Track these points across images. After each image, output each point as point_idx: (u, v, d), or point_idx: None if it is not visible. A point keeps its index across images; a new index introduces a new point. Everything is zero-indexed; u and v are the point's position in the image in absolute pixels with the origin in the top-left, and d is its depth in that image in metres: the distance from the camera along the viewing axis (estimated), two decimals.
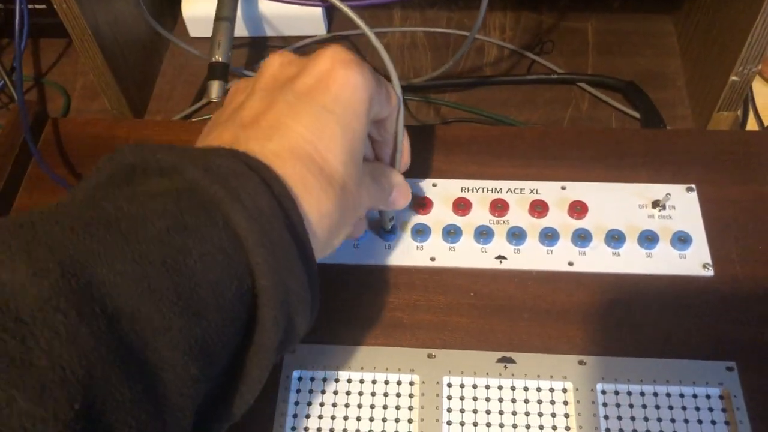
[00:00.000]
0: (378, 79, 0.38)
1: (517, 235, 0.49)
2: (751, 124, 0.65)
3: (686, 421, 0.42)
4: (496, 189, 0.51)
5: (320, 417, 0.43)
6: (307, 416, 0.43)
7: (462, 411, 0.43)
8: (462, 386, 0.43)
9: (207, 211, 0.30)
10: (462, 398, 0.43)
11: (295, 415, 0.43)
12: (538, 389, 0.43)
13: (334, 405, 0.43)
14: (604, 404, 0.42)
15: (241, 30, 0.71)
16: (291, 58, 0.39)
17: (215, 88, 0.60)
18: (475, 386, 0.43)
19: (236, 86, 0.41)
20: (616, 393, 0.43)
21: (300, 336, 0.35)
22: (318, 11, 0.70)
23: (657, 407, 0.42)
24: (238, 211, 0.30)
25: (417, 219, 0.50)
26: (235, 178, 0.31)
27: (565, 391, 0.43)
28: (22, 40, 0.56)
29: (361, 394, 0.43)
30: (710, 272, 0.47)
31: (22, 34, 0.56)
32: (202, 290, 0.29)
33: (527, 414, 0.42)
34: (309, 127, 0.35)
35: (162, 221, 0.29)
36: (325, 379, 0.44)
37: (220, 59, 0.61)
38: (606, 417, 0.42)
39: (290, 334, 0.33)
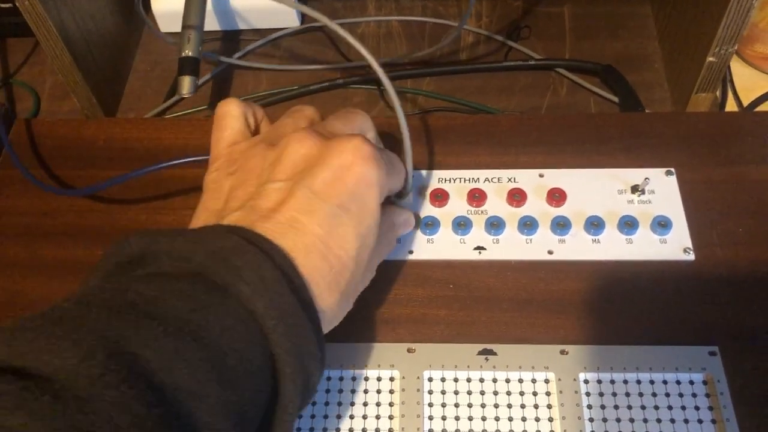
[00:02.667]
0: (391, 167, 0.41)
1: (495, 225, 0.48)
2: (731, 105, 0.65)
3: (670, 407, 0.41)
4: (473, 178, 0.51)
5: (300, 416, 0.42)
6: None
7: (443, 405, 0.42)
8: (443, 380, 0.43)
9: (219, 290, 0.32)
10: (443, 392, 0.42)
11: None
12: (520, 380, 0.43)
13: (314, 404, 0.42)
14: (587, 393, 0.42)
15: (212, 24, 0.70)
16: (312, 143, 0.39)
17: (186, 83, 0.59)
18: (456, 380, 0.43)
19: (247, 150, 0.41)
20: (599, 382, 0.42)
21: (315, 391, 0.36)
22: (291, 3, 0.69)
23: (640, 395, 0.42)
24: (244, 288, 0.32)
25: None
26: (238, 257, 0.33)
27: (547, 381, 0.43)
28: None
29: (340, 391, 0.43)
30: (691, 256, 0.47)
31: None
32: (230, 359, 0.31)
33: (510, 406, 0.42)
34: (323, 226, 0.36)
35: (181, 302, 0.31)
36: None
37: (190, 54, 0.59)
38: (589, 406, 0.41)
39: (307, 391, 0.35)
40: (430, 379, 0.43)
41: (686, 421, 0.41)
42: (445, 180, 0.51)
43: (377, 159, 0.38)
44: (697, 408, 0.41)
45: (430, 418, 0.42)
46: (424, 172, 0.51)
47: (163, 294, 0.31)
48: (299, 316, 0.33)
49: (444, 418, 0.42)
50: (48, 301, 0.46)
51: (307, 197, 0.37)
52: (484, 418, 0.41)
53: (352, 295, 0.40)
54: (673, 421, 0.41)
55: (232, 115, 0.43)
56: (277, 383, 0.33)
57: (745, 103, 0.64)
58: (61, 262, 0.49)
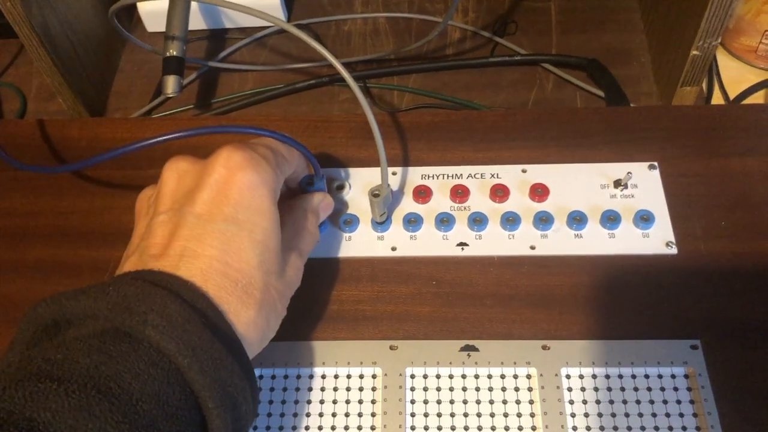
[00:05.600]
0: (274, 162, 0.40)
1: (478, 221, 0.48)
2: (717, 98, 0.65)
3: (651, 401, 0.41)
4: (456, 175, 0.51)
5: (282, 415, 0.42)
6: (269, 414, 0.42)
7: (425, 402, 0.42)
8: (425, 377, 0.43)
9: (128, 339, 0.32)
10: (425, 389, 0.42)
11: (256, 414, 0.42)
12: (502, 376, 0.43)
13: (296, 402, 0.42)
14: (569, 388, 0.42)
15: (198, 23, 0.70)
16: (186, 167, 0.39)
17: (171, 82, 0.59)
18: (438, 376, 0.43)
19: (139, 203, 0.42)
20: (581, 377, 0.42)
21: (249, 421, 0.36)
22: (276, 1, 0.69)
23: (622, 389, 0.42)
24: (151, 332, 0.32)
25: None
26: (142, 303, 0.32)
27: (529, 377, 0.43)
28: None
29: (323, 390, 0.43)
30: (674, 250, 0.47)
31: None
32: (144, 404, 0.31)
33: (491, 402, 0.42)
34: (216, 247, 0.36)
35: (89, 359, 0.31)
36: (286, 376, 0.43)
37: (174, 53, 0.59)
38: (571, 401, 0.41)
39: (238, 421, 0.35)
40: (413, 376, 0.43)
41: (668, 414, 0.41)
42: (428, 176, 0.51)
43: (252, 160, 0.38)
44: (678, 402, 0.41)
45: (413, 414, 0.42)
46: (407, 169, 0.51)
47: (71, 354, 0.31)
48: (215, 348, 0.33)
49: (426, 415, 0.42)
50: (33, 302, 0.47)
51: (192, 223, 0.36)
52: (466, 414, 0.41)
53: (278, 301, 0.39)
54: (654, 414, 0.41)
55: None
56: (204, 420, 0.33)
57: (732, 95, 0.64)
58: (45, 264, 0.49)
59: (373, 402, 0.42)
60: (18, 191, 0.52)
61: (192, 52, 0.69)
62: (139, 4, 0.69)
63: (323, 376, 0.43)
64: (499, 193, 0.49)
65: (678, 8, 0.59)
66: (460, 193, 0.49)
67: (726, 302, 0.44)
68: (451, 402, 0.42)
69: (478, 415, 0.41)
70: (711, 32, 0.54)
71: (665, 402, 0.41)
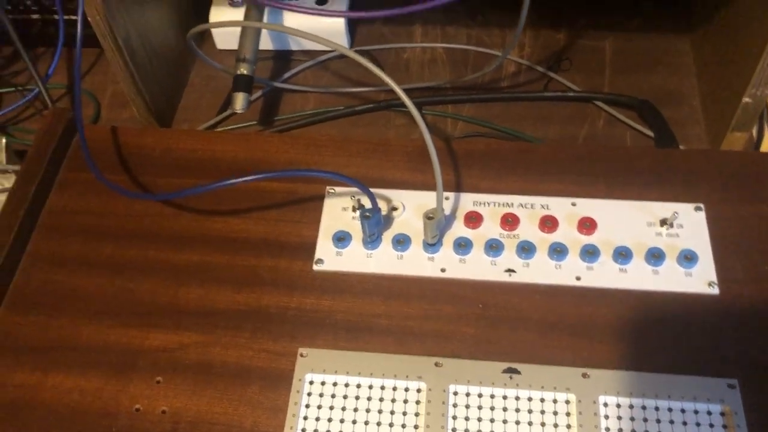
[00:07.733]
0: None
1: (526, 249, 0.50)
2: (766, 146, 0.66)
3: None
4: (507, 203, 0.53)
5: (330, 420, 0.44)
6: (317, 419, 0.44)
7: (467, 419, 0.44)
8: (467, 395, 0.45)
9: None
10: (467, 406, 0.44)
11: (305, 417, 0.44)
12: (542, 400, 0.44)
13: (344, 409, 0.45)
14: (606, 416, 0.43)
15: (265, 43, 0.74)
16: None
17: (240, 99, 0.62)
18: (480, 395, 0.45)
19: None
20: (618, 406, 0.44)
21: None
22: (341, 26, 0.72)
23: (658, 421, 0.43)
24: None
25: None
26: None
27: (568, 402, 0.44)
28: (73, 52, 0.58)
29: (369, 399, 0.45)
30: (715, 290, 0.48)
31: (59, 43, 0.57)
32: None
33: (530, 424, 0.44)
34: None
35: None
36: (335, 383, 0.46)
37: (245, 72, 0.63)
38: (607, 429, 0.43)
39: None
40: (455, 393, 0.45)
41: None
42: (480, 203, 0.53)
43: None
44: None
45: (454, 429, 0.43)
46: (459, 194, 0.54)
47: None
48: None
49: (467, 431, 0.43)
50: (103, 296, 0.50)
51: None
52: None
53: None
54: None
55: None
56: None
57: None
58: (116, 261, 0.53)
59: (417, 415, 0.44)
60: (95, 192, 0.56)
61: (257, 72, 0.72)
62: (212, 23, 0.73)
63: (370, 387, 0.45)
64: (548, 223, 0.51)
65: (732, 55, 0.60)
66: (510, 222, 0.51)
67: (765, 345, 0.45)
68: (492, 421, 0.44)
69: None
70: (764, 81, 0.55)
71: None
